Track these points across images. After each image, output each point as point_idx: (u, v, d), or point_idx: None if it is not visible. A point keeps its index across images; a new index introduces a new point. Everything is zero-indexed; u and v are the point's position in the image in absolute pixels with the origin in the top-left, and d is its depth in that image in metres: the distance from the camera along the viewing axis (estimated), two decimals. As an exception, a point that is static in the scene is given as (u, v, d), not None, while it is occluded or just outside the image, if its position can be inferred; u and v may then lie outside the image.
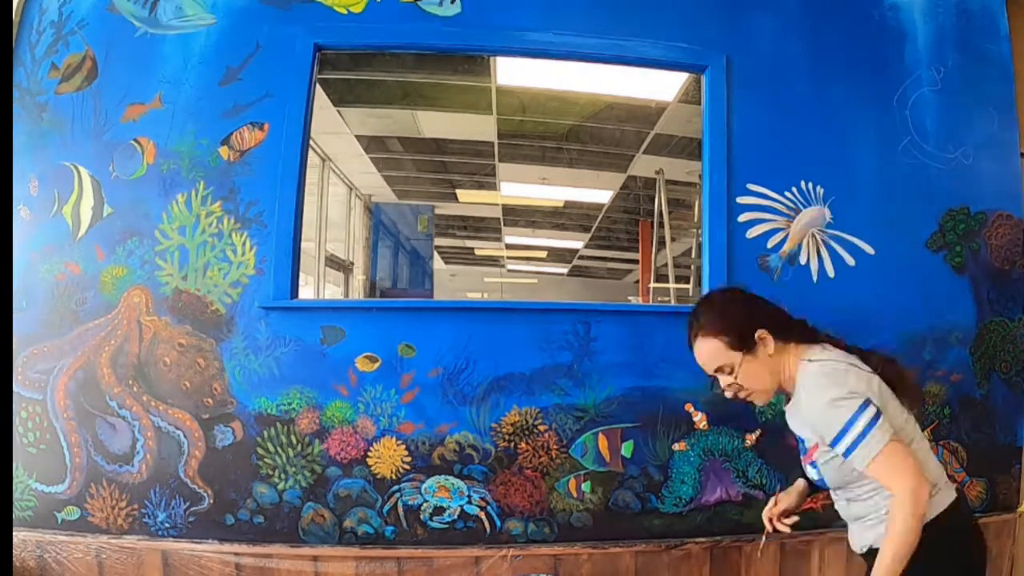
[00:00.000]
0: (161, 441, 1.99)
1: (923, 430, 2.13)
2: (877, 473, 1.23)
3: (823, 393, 1.28)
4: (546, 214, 6.58)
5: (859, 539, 1.40)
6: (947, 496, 1.32)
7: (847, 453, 1.25)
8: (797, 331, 1.41)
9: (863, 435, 1.22)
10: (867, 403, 1.24)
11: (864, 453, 1.22)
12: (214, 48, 2.09)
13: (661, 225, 4.68)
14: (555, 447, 2.05)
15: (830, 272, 2.15)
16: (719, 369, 1.41)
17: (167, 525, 1.99)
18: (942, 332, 2.20)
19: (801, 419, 1.39)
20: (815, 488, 1.53)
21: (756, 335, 1.37)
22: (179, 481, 1.99)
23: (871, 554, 1.29)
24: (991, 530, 2.22)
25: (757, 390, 1.40)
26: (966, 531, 1.34)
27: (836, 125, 2.22)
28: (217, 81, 2.08)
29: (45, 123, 2.07)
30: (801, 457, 1.47)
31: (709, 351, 1.40)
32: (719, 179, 2.15)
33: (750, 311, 1.41)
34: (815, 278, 2.15)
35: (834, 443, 1.26)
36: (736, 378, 1.39)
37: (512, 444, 2.04)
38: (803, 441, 1.45)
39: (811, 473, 1.44)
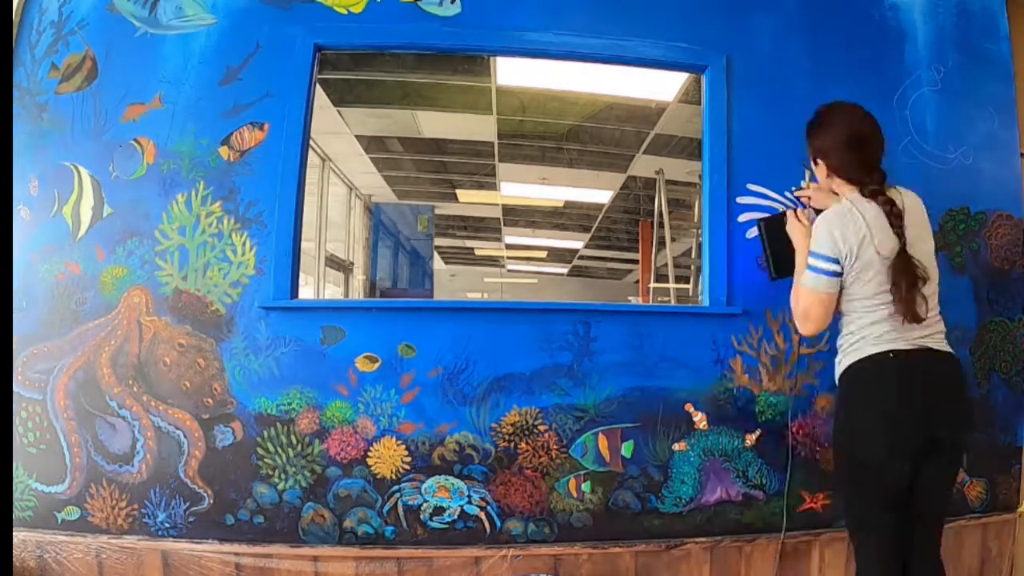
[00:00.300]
0: (161, 441, 1.99)
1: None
2: (799, 295, 1.61)
3: (823, 222, 1.57)
4: (546, 214, 6.59)
5: (836, 371, 1.67)
6: (862, 354, 1.56)
7: (804, 268, 1.59)
8: (856, 179, 1.59)
9: (810, 269, 1.55)
10: (836, 260, 1.52)
11: (804, 279, 1.58)
12: (214, 48, 2.09)
13: (661, 225, 4.68)
14: (555, 447, 2.05)
15: (830, 272, 2.15)
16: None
17: (167, 525, 1.99)
18: (942, 332, 2.19)
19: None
20: None
21: (816, 159, 1.69)
22: (179, 481, 1.99)
23: (838, 385, 1.63)
24: (991, 530, 2.22)
25: (816, 197, 1.82)
26: (857, 384, 1.59)
27: (836, 125, 2.21)
28: (217, 81, 2.08)
29: (45, 123, 2.07)
30: None
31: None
32: (719, 179, 2.15)
33: (828, 143, 1.65)
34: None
35: (809, 253, 1.57)
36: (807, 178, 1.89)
37: (512, 444, 2.04)
38: None
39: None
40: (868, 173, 1.57)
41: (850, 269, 1.53)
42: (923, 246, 1.56)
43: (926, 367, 1.53)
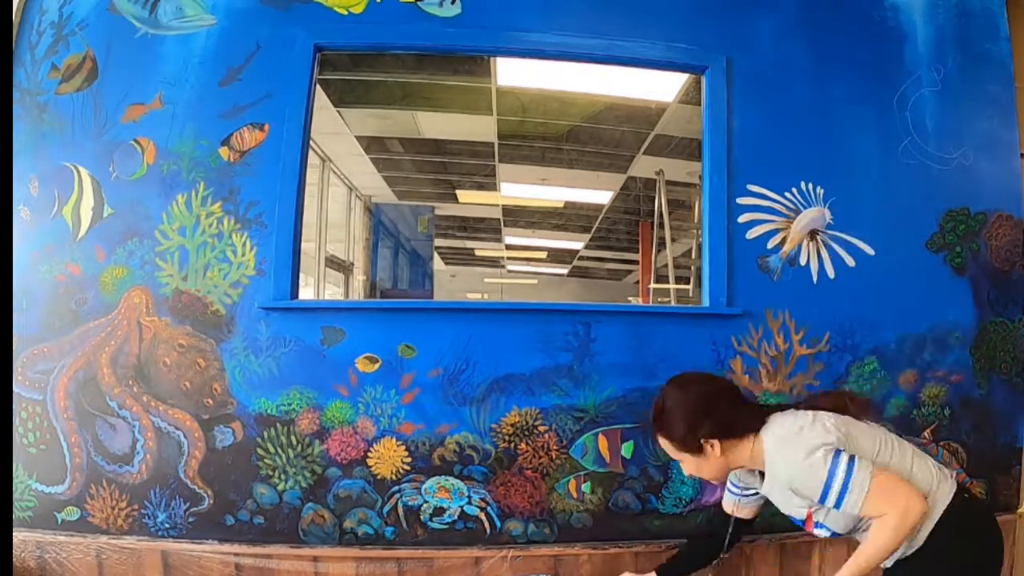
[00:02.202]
0: (161, 441, 1.99)
1: (923, 431, 2.15)
2: (873, 510, 1.27)
3: (793, 457, 1.33)
4: (546, 215, 6.59)
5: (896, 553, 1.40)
6: (946, 493, 1.36)
7: (838, 504, 1.29)
8: (748, 422, 1.44)
9: (847, 483, 1.27)
10: (838, 452, 1.30)
11: (854, 499, 1.27)
12: (214, 49, 2.09)
13: (661, 226, 4.68)
14: (555, 448, 2.05)
15: (830, 273, 2.15)
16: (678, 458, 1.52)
17: (167, 525, 1.99)
18: (942, 333, 2.20)
19: (781, 489, 1.42)
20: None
21: (702, 442, 1.43)
22: (179, 481, 1.99)
23: (896, 567, 1.38)
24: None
25: (712, 477, 1.51)
26: (970, 519, 1.37)
27: (836, 126, 2.22)
28: (217, 82, 2.08)
29: (45, 123, 2.07)
30: (802, 527, 1.49)
31: (664, 446, 1.53)
32: (719, 180, 2.15)
33: (699, 417, 1.43)
34: (815, 279, 2.15)
35: (822, 500, 1.31)
36: (690, 469, 1.51)
37: (512, 445, 2.04)
38: (792, 517, 1.49)
39: (821, 533, 1.45)
40: (743, 417, 1.45)
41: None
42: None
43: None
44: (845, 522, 1.38)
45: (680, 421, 1.45)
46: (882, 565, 1.41)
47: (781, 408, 1.50)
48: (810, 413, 1.42)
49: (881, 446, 1.38)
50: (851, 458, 1.29)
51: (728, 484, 1.68)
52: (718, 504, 1.78)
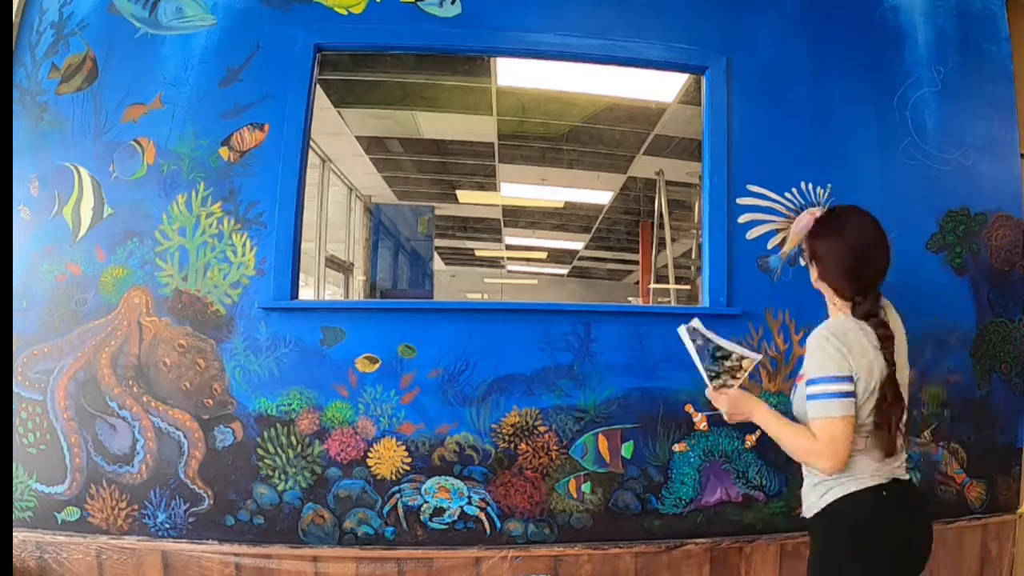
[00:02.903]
0: (161, 442, 1.99)
1: (923, 431, 2.15)
2: (815, 428, 1.36)
3: (824, 342, 1.38)
4: (546, 215, 6.59)
5: (804, 499, 1.51)
6: (848, 488, 1.39)
7: (809, 398, 1.37)
8: (850, 296, 1.45)
9: (825, 396, 1.34)
10: (850, 378, 1.34)
11: (815, 408, 1.35)
12: (214, 49, 2.09)
13: (661, 226, 4.69)
14: (555, 448, 2.05)
15: (830, 273, 2.15)
16: None
17: (167, 526, 1.99)
18: (942, 333, 2.20)
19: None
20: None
21: (811, 260, 1.52)
22: (179, 482, 1.99)
23: (815, 520, 1.45)
24: (991, 531, 2.22)
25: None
26: (854, 520, 1.39)
27: (836, 126, 2.22)
28: (217, 82, 2.08)
29: (45, 123, 2.07)
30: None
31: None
32: (719, 180, 2.15)
33: (823, 253, 1.48)
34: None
35: (809, 383, 1.38)
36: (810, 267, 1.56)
37: (512, 445, 2.04)
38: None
39: (792, 395, 1.57)
40: (863, 292, 1.43)
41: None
42: (904, 373, 1.43)
43: (907, 500, 1.43)
44: (798, 408, 1.47)
45: (819, 241, 1.50)
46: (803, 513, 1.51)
47: (875, 305, 1.45)
48: (869, 334, 1.39)
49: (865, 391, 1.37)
50: (851, 392, 1.34)
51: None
52: None
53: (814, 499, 1.45)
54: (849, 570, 1.38)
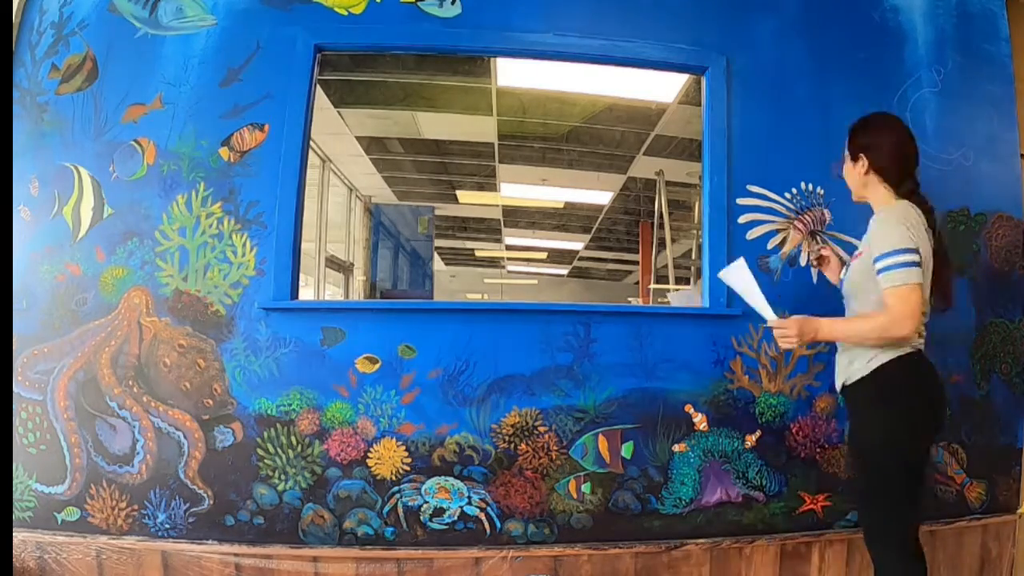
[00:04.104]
0: (161, 442, 1.99)
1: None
2: (888, 298, 1.49)
3: (893, 220, 1.53)
4: (546, 215, 6.59)
5: (843, 370, 1.67)
6: (896, 352, 1.56)
7: (881, 271, 1.51)
8: (899, 182, 1.64)
9: (900, 266, 1.48)
10: (917, 251, 1.49)
11: (891, 278, 1.49)
12: (215, 49, 2.09)
13: (661, 226, 4.69)
14: (555, 448, 2.05)
15: (830, 273, 2.15)
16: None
17: (167, 526, 1.99)
18: (942, 333, 2.19)
19: (867, 232, 1.64)
20: None
21: (860, 154, 1.67)
22: (179, 482, 1.99)
23: (858, 385, 1.61)
24: (991, 531, 2.22)
25: (850, 186, 1.75)
26: (901, 380, 1.57)
27: (836, 126, 2.21)
28: (218, 82, 2.08)
29: (45, 124, 2.07)
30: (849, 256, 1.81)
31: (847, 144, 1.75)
32: (719, 180, 2.15)
33: (875, 142, 1.66)
34: (815, 279, 2.14)
35: (877, 259, 1.52)
36: (843, 173, 1.77)
37: (512, 445, 2.04)
38: (853, 249, 1.81)
39: (843, 274, 1.76)
40: (911, 176, 1.63)
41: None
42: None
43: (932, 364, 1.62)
44: (860, 281, 1.63)
45: (867, 134, 1.69)
46: (837, 383, 1.70)
47: (917, 184, 1.64)
48: (918, 211, 1.57)
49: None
50: (919, 262, 1.49)
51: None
52: None
53: (859, 365, 1.59)
54: (896, 420, 1.54)
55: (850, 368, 1.63)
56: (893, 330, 1.48)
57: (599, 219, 6.47)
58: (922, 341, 1.60)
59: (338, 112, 3.90)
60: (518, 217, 6.72)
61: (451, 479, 2.02)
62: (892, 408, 1.56)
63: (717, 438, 2.09)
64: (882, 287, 1.50)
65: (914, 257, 1.48)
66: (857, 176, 1.69)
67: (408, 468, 2.01)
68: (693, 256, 4.21)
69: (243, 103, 2.07)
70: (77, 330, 2.01)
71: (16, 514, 1.98)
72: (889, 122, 1.70)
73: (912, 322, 1.47)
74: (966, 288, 2.23)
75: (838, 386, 1.70)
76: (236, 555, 1.97)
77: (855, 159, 1.69)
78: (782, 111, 2.20)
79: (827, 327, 1.62)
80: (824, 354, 2.11)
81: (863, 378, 1.59)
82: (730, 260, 2.10)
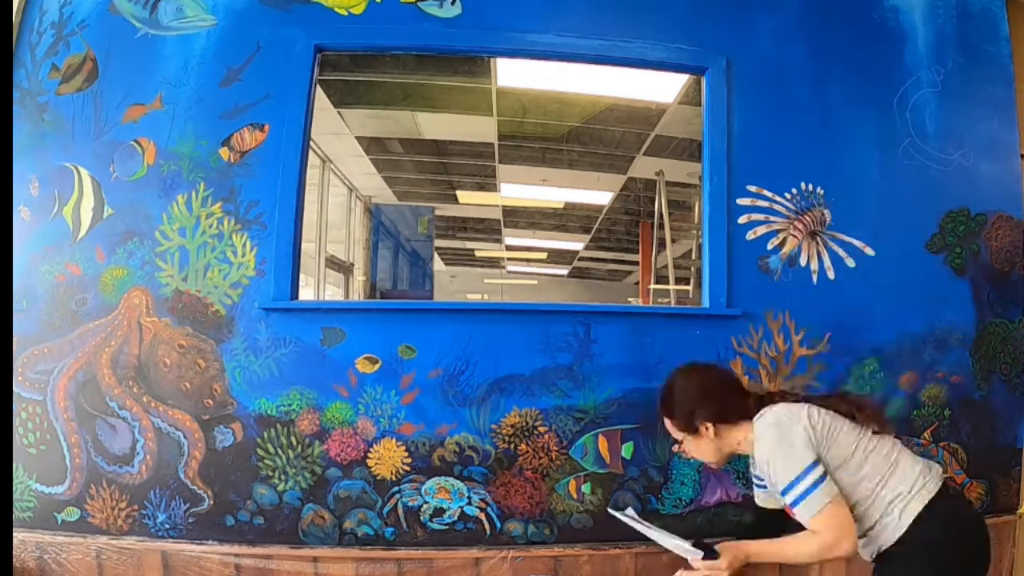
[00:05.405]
0: (161, 442, 1.99)
1: (923, 432, 2.15)
2: (816, 526, 1.38)
3: (774, 449, 1.44)
4: (546, 216, 6.59)
5: (880, 539, 1.46)
6: (931, 486, 1.43)
7: (793, 504, 1.40)
8: (742, 410, 1.57)
9: (807, 493, 1.38)
10: (815, 464, 1.39)
11: (807, 510, 1.38)
12: (215, 49, 2.10)
13: (661, 226, 4.68)
14: (555, 448, 2.05)
15: (830, 274, 2.15)
16: (675, 438, 1.67)
17: (167, 526, 1.99)
18: (942, 333, 2.20)
19: (760, 468, 1.54)
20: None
21: (698, 424, 1.57)
22: (179, 482, 1.99)
23: (898, 547, 1.42)
24: (991, 532, 2.22)
25: (710, 460, 1.63)
26: (955, 512, 1.45)
27: (836, 127, 2.22)
28: (218, 82, 2.08)
29: (45, 124, 2.07)
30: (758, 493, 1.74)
31: (668, 426, 1.66)
32: (719, 181, 2.15)
33: (698, 402, 1.58)
34: (815, 279, 2.15)
35: (783, 493, 1.42)
36: (689, 450, 1.64)
37: (512, 445, 2.04)
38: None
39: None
40: (745, 399, 1.58)
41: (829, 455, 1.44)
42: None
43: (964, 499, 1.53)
44: (776, 503, 1.55)
45: (681, 405, 1.60)
46: (869, 560, 1.51)
47: (782, 397, 1.59)
48: (804, 407, 1.50)
49: (858, 445, 1.46)
50: (822, 476, 1.39)
51: (754, 479, 1.74)
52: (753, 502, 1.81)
53: (892, 527, 1.42)
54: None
55: (880, 537, 1.45)
56: (833, 552, 1.37)
57: (599, 219, 6.46)
58: (935, 476, 1.45)
59: (338, 112, 3.90)
60: (518, 217, 6.72)
61: (451, 479, 2.02)
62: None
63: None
64: (804, 520, 1.39)
65: (817, 473, 1.38)
66: (711, 444, 1.58)
67: (408, 468, 2.01)
68: (693, 256, 4.20)
69: (243, 103, 2.07)
70: (77, 330, 2.01)
71: (16, 514, 1.98)
72: (683, 378, 1.64)
73: (848, 539, 1.36)
74: (966, 288, 2.23)
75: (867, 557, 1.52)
76: (236, 555, 1.97)
77: (697, 432, 1.57)
78: (782, 111, 2.20)
79: (758, 551, 1.49)
80: (824, 354, 2.12)
81: (901, 537, 1.42)
82: (730, 260, 2.12)
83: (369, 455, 2.00)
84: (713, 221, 2.14)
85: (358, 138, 4.39)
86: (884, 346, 2.16)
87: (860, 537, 1.46)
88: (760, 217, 2.16)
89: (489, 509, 2.03)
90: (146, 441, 1.99)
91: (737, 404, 1.58)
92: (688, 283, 4.27)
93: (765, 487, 1.66)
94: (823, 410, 1.49)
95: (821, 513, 1.37)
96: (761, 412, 1.53)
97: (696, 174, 3.68)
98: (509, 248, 8.20)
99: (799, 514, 1.39)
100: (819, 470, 1.39)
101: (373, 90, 3.60)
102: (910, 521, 1.40)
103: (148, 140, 2.06)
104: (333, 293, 4.72)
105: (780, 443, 1.43)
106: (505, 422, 2.03)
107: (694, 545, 1.52)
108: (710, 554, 1.49)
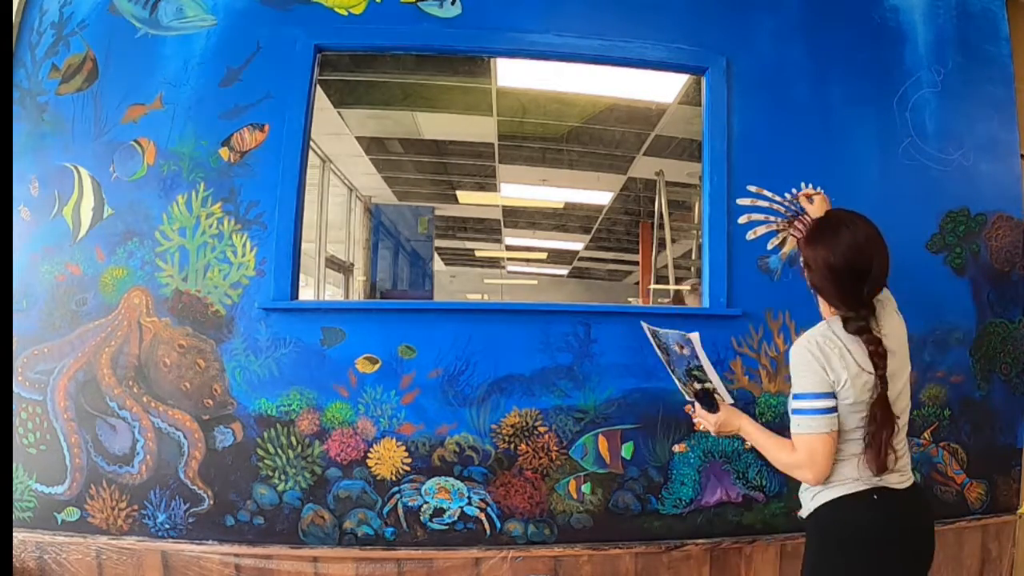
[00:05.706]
0: (161, 442, 1.99)
1: (923, 432, 2.15)
2: (795, 441, 1.36)
3: (805, 354, 1.36)
4: (546, 216, 6.58)
5: (803, 503, 1.47)
6: (834, 494, 1.38)
7: (792, 411, 1.38)
8: (840, 310, 1.41)
9: (806, 413, 1.34)
10: (830, 394, 1.33)
11: (797, 424, 1.35)
12: (215, 49, 2.09)
13: (661, 227, 4.68)
14: (555, 448, 2.05)
15: (830, 273, 2.15)
16: None
17: (167, 526, 1.99)
18: (942, 333, 2.20)
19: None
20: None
21: (807, 265, 1.46)
22: (179, 482, 1.99)
23: (808, 521, 1.44)
24: (991, 531, 2.22)
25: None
26: (839, 525, 1.39)
27: (836, 127, 2.22)
28: (218, 82, 2.08)
29: (46, 124, 2.07)
30: None
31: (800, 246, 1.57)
32: (719, 181, 2.15)
33: (818, 261, 1.42)
34: (815, 279, 2.14)
35: (792, 397, 1.39)
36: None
37: (512, 445, 2.04)
38: None
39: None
40: (855, 307, 1.37)
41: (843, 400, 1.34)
42: (900, 378, 1.40)
43: (896, 508, 1.39)
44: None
45: (816, 252, 1.43)
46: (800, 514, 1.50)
47: (868, 321, 1.39)
48: (861, 347, 1.35)
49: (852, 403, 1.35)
50: (833, 408, 1.33)
51: None
52: None
53: (806, 500, 1.45)
54: (834, 573, 1.38)
55: (803, 500, 1.47)
56: (795, 473, 1.37)
57: (599, 219, 6.46)
58: (891, 477, 1.36)
59: (338, 112, 3.90)
60: (518, 217, 6.72)
61: (451, 479, 2.02)
62: (819, 560, 1.42)
63: (717, 439, 2.09)
64: (791, 430, 1.37)
65: (824, 403, 1.32)
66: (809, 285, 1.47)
67: (408, 468, 2.01)
68: (693, 256, 4.20)
69: (243, 103, 2.07)
70: (77, 330, 2.01)
71: (16, 514, 1.98)
72: (835, 236, 1.41)
73: (812, 473, 1.33)
74: (966, 288, 2.23)
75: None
76: (236, 555, 1.97)
77: (804, 266, 1.48)
78: (782, 111, 2.20)
79: (748, 428, 1.48)
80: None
81: (809, 515, 1.44)
82: (730, 260, 2.12)
83: (369, 455, 2.00)
84: (713, 221, 2.14)
85: (358, 138, 4.39)
86: (884, 346, 2.15)
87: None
88: (760, 217, 2.15)
89: (489, 509, 2.03)
90: (146, 441, 1.99)
91: (844, 304, 1.39)
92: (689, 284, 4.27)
93: None
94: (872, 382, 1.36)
95: (803, 436, 1.34)
96: (832, 317, 1.42)
97: (696, 174, 3.69)
98: (509, 248, 8.19)
99: (792, 423, 1.37)
100: (830, 402, 1.32)
101: (373, 90, 3.60)
102: (816, 505, 1.40)
103: (148, 140, 2.06)
104: (333, 293, 4.72)
105: (812, 354, 1.34)
106: (505, 422, 2.03)
107: (706, 394, 1.53)
108: (712, 406, 1.52)
